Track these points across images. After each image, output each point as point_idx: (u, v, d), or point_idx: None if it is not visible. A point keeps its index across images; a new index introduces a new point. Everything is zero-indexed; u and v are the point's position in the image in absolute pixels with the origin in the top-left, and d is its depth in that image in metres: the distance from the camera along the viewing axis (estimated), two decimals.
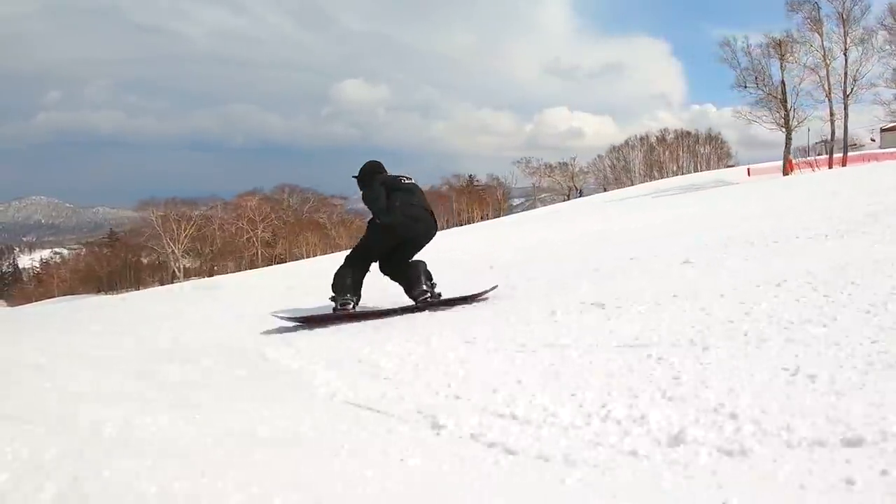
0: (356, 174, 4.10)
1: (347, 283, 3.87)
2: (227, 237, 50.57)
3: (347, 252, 4.32)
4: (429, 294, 3.83)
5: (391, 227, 3.84)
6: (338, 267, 3.99)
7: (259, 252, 46.85)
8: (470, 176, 65.98)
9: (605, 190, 52.91)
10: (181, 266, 49.81)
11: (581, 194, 59.41)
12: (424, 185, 5.38)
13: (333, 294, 3.87)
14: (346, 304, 3.82)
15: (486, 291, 3.95)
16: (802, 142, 31.28)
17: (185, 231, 49.72)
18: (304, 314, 3.87)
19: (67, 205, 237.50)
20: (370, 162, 4.18)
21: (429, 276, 3.90)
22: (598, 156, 56.59)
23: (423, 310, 3.76)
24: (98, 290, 62.08)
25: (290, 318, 3.77)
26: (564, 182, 62.73)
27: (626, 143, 55.87)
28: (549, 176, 63.01)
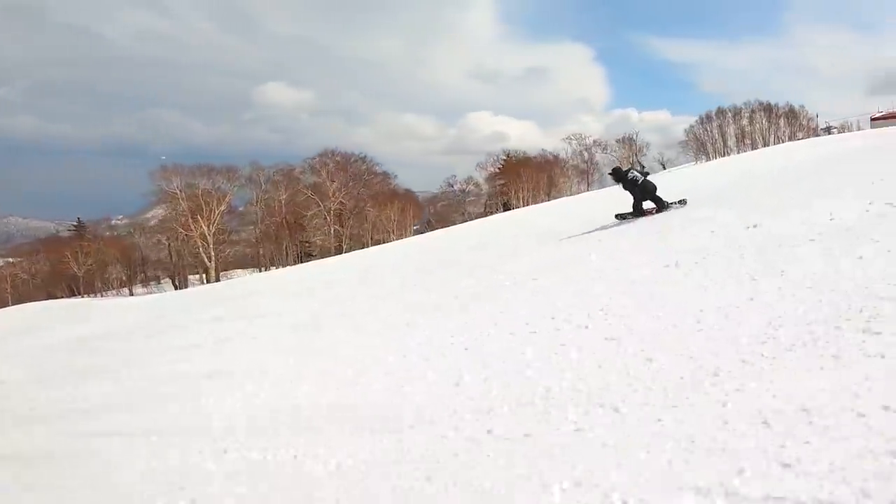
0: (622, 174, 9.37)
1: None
2: (287, 216, 39.56)
3: None
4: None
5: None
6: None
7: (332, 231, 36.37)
8: (508, 154, 58.57)
9: (663, 166, 48.63)
10: (211, 255, 38.14)
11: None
12: None
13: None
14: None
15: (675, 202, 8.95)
16: None
17: (215, 210, 38.27)
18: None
19: None
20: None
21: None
22: (690, 125, 52.02)
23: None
24: (72, 294, 48.21)
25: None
26: (628, 159, 58.16)
27: (706, 116, 51.87)
28: (603, 152, 58.07)
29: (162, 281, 43.18)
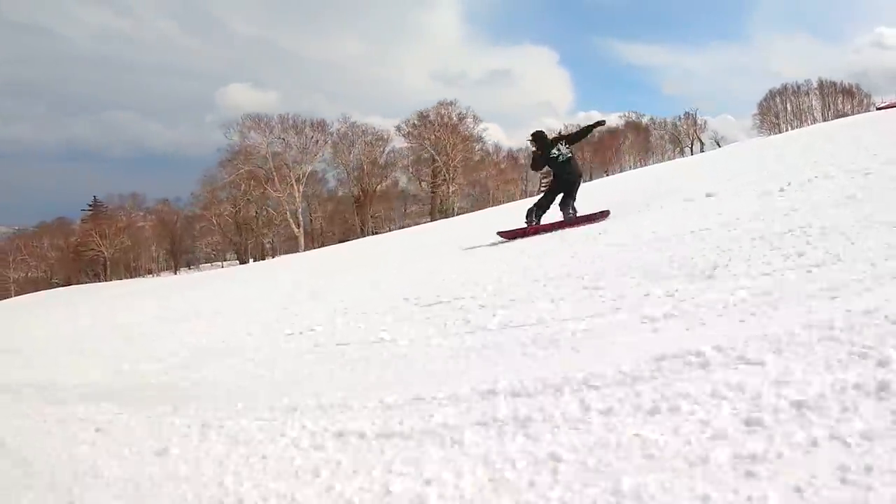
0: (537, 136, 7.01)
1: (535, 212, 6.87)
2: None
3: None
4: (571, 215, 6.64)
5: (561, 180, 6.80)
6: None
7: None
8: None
9: (717, 144, 49.01)
10: (300, 221, 33.09)
11: (703, 149, 55.79)
12: None
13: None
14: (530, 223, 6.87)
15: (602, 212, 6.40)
16: None
17: (304, 170, 33.32)
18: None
19: None
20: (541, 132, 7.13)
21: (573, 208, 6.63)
22: (760, 101, 52.61)
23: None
24: (97, 279, 41.11)
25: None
26: (686, 135, 58.62)
27: (770, 93, 52.74)
28: (661, 130, 58.72)
29: (222, 261, 37.39)
